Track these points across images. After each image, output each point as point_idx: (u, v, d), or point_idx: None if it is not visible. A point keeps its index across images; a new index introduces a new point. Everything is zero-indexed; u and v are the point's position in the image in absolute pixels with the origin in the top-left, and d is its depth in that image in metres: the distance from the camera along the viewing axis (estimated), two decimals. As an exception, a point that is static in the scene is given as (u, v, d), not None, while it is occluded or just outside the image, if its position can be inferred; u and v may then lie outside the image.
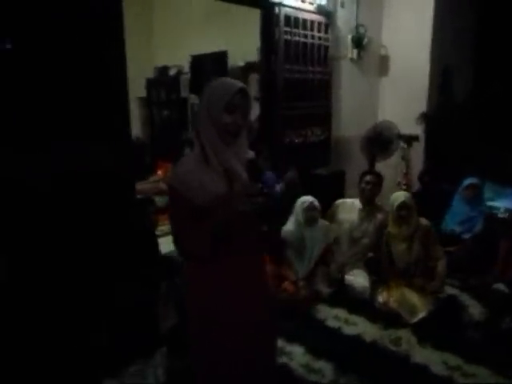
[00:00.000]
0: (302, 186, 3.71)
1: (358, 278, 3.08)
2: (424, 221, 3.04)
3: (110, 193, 2.24)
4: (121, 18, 2.27)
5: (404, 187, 4.50)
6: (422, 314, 2.73)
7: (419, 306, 2.78)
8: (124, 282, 2.35)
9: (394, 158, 4.41)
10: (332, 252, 3.21)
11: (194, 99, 6.11)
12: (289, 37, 3.54)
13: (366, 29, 4.18)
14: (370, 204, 3.27)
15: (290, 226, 3.17)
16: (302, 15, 3.60)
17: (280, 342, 2.55)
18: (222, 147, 1.40)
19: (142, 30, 6.81)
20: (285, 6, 3.43)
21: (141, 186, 4.49)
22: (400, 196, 3.02)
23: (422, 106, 4.40)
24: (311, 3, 3.67)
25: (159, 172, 6.03)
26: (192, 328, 1.57)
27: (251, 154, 1.50)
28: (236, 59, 5.49)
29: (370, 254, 3.29)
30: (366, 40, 4.20)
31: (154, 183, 5.33)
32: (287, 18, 3.48)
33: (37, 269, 2.07)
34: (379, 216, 3.24)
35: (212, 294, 1.49)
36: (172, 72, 6.48)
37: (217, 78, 1.50)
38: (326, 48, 3.93)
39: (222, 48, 5.64)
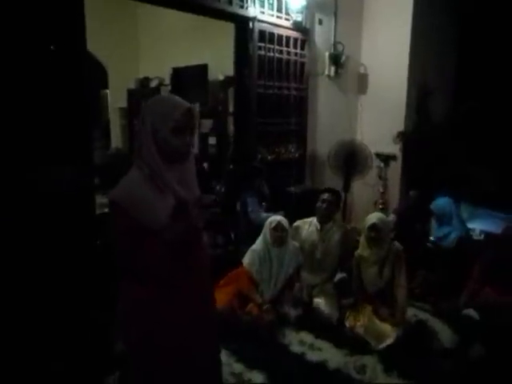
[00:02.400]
0: (274, 203, 3.65)
1: (325, 302, 2.99)
2: (397, 245, 2.96)
3: (68, 211, 2.18)
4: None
5: (381, 206, 4.45)
6: (389, 341, 2.63)
7: (386, 332, 2.68)
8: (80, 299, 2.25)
9: (371, 177, 4.37)
10: (297, 273, 3.12)
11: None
12: (263, 52, 3.49)
13: (343, 46, 4.16)
14: (327, 222, 3.20)
15: (257, 246, 3.07)
16: (277, 31, 3.56)
17: (239, 368, 2.45)
18: (165, 169, 1.35)
19: (128, 42, 6.79)
20: (260, 21, 3.38)
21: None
22: (372, 217, 2.94)
23: (399, 124, 4.37)
24: (287, 19, 3.63)
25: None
26: (132, 352, 1.48)
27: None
28: (216, 73, 5.45)
29: (341, 275, 3.21)
30: (343, 57, 4.18)
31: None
32: (262, 33, 3.44)
33: None
34: (337, 234, 3.18)
35: (155, 313, 1.40)
36: (153, 83, 6.43)
37: (158, 96, 1.45)
38: (303, 64, 3.89)
39: (204, 61, 5.61)
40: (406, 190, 4.25)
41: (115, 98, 6.93)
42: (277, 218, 3.04)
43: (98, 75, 6.78)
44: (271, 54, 3.57)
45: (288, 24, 3.65)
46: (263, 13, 3.42)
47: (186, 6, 3.01)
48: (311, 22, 3.90)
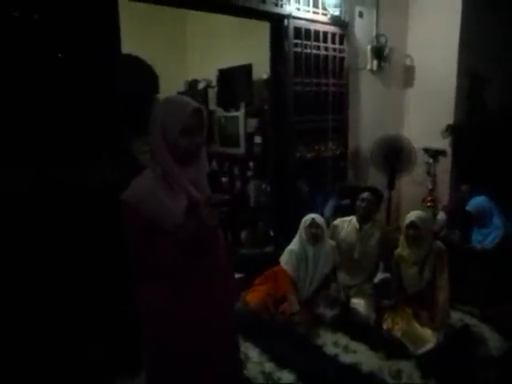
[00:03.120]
0: (314, 202, 3.60)
1: (363, 303, 2.90)
2: (439, 244, 2.81)
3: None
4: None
5: (429, 204, 4.23)
6: (428, 346, 2.51)
7: (426, 336, 2.56)
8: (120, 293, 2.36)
9: (419, 174, 4.17)
10: (334, 273, 3.06)
11: (219, 112, 6.15)
12: (299, 49, 3.44)
13: (386, 39, 4.00)
14: (366, 222, 3.09)
15: (293, 245, 3.05)
16: (313, 27, 3.49)
17: (270, 367, 2.45)
18: (177, 170, 1.37)
19: (176, 46, 7.00)
20: (295, 18, 3.34)
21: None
22: (411, 215, 2.81)
23: (449, 117, 4.13)
24: (324, 14, 3.56)
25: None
26: (149, 354, 1.52)
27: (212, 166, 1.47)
28: (260, 72, 5.46)
29: (383, 275, 3.11)
30: (387, 50, 4.02)
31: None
32: (297, 30, 3.39)
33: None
34: (377, 235, 3.06)
35: (172, 314, 1.42)
36: (201, 85, 6.56)
37: (168, 97, 1.47)
38: (342, 59, 3.79)
39: (249, 61, 5.64)
40: (457, 187, 4.00)
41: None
42: (311, 215, 3.00)
43: (149, 80, 7.06)
44: (308, 51, 3.51)
45: (325, 19, 3.57)
46: (299, 9, 3.37)
47: (218, 7, 3.04)
48: (351, 15, 3.79)
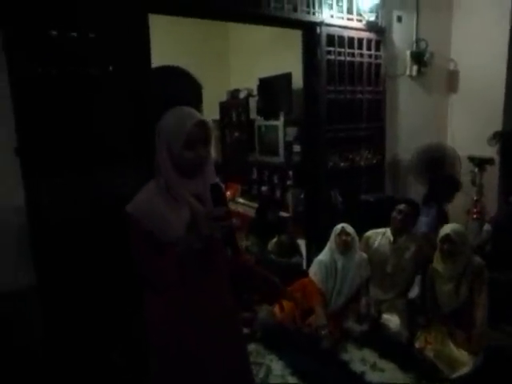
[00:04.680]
0: (347, 212, 3.50)
1: (395, 319, 2.77)
2: (478, 260, 2.63)
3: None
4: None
5: (475, 216, 3.99)
6: (464, 369, 2.34)
7: (462, 358, 2.39)
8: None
9: (464, 184, 3.94)
10: (365, 287, 2.94)
11: (260, 121, 6.17)
12: (332, 56, 3.39)
13: (427, 43, 3.84)
14: (401, 235, 2.95)
15: (323, 256, 2.98)
16: (347, 33, 3.42)
17: (293, 381, 2.40)
18: (179, 182, 1.37)
19: (219, 57, 7.15)
20: (328, 25, 3.29)
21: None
22: (446, 228, 2.66)
23: (496, 124, 3.88)
24: (359, 20, 3.48)
25: (228, 193, 6.13)
26: (156, 363, 1.52)
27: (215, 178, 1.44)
28: (300, 81, 5.43)
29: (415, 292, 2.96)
30: (427, 55, 3.86)
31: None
32: (330, 37, 3.34)
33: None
34: (412, 249, 2.91)
35: (176, 325, 1.42)
36: (242, 95, 6.64)
37: (172, 110, 1.46)
38: (378, 66, 3.68)
39: (289, 70, 5.64)
40: (505, 197, 3.74)
41: (210, 110, 7.31)
42: (342, 224, 2.93)
43: (193, 90, 7.25)
44: (342, 58, 3.44)
45: (360, 25, 3.49)
46: (332, 16, 3.32)
47: (250, 18, 3.06)
48: (388, 20, 3.68)
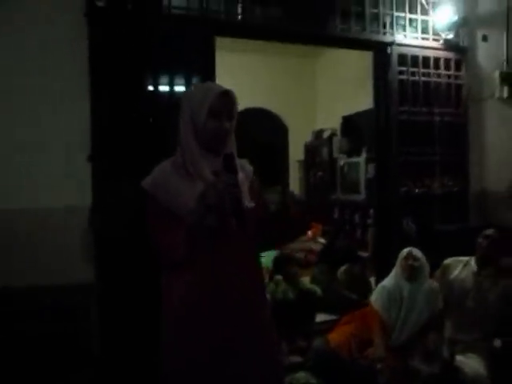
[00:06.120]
0: (422, 242, 3.16)
1: (472, 362, 2.34)
2: None
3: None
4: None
5: None
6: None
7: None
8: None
9: None
10: (437, 322, 2.56)
11: (342, 159, 6.06)
12: (405, 76, 3.24)
13: (520, 62, 3.49)
14: (487, 265, 2.54)
15: (386, 282, 2.69)
16: (422, 53, 3.27)
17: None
18: (199, 156, 1.36)
19: (306, 97, 7.31)
20: (401, 45, 3.19)
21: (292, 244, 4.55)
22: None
23: None
24: (436, 39, 3.31)
25: (309, 232, 6.01)
26: (166, 351, 1.42)
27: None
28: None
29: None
30: (520, 75, 3.49)
31: (302, 243, 5.32)
32: (403, 56, 3.22)
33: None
34: (501, 284, 2.48)
35: (190, 305, 1.35)
36: (326, 134, 6.64)
37: (197, 84, 1.49)
38: (459, 87, 3.42)
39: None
40: None
41: (296, 151, 7.40)
42: (409, 247, 2.64)
43: (279, 132, 7.45)
44: (416, 78, 3.28)
45: (437, 44, 3.31)
46: (405, 36, 3.22)
47: (317, 39, 3.10)
48: (471, 39, 3.45)
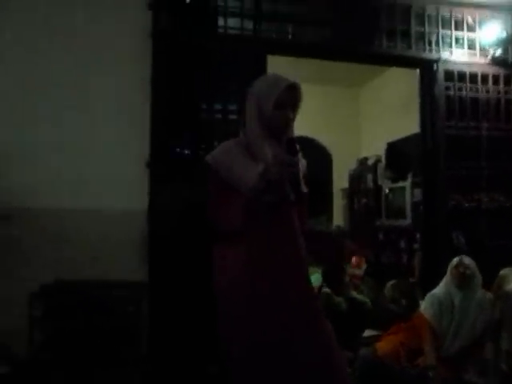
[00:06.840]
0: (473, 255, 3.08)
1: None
2: None
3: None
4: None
5: None
6: None
7: None
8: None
9: None
10: (494, 333, 2.45)
11: (387, 184, 6.01)
12: (452, 92, 3.27)
13: None
14: None
15: (437, 290, 2.63)
16: (469, 69, 3.30)
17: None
18: (262, 139, 1.44)
19: (350, 125, 7.38)
20: (445, 61, 3.24)
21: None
22: None
23: None
24: (484, 55, 3.34)
25: (353, 260, 5.95)
26: (223, 327, 1.47)
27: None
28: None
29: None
30: None
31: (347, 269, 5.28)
32: (449, 73, 3.26)
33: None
34: None
35: (245, 282, 1.39)
36: (371, 161, 6.63)
37: (265, 75, 1.58)
38: (508, 102, 3.39)
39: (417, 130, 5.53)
40: None
41: (340, 179, 7.40)
42: (460, 256, 2.59)
43: (323, 161, 7.50)
44: (462, 93, 3.29)
45: (484, 60, 3.34)
46: (451, 53, 3.28)
47: (361, 57, 3.21)
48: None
